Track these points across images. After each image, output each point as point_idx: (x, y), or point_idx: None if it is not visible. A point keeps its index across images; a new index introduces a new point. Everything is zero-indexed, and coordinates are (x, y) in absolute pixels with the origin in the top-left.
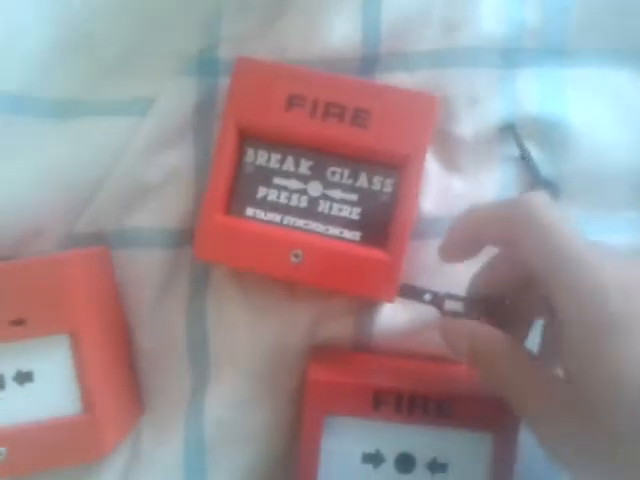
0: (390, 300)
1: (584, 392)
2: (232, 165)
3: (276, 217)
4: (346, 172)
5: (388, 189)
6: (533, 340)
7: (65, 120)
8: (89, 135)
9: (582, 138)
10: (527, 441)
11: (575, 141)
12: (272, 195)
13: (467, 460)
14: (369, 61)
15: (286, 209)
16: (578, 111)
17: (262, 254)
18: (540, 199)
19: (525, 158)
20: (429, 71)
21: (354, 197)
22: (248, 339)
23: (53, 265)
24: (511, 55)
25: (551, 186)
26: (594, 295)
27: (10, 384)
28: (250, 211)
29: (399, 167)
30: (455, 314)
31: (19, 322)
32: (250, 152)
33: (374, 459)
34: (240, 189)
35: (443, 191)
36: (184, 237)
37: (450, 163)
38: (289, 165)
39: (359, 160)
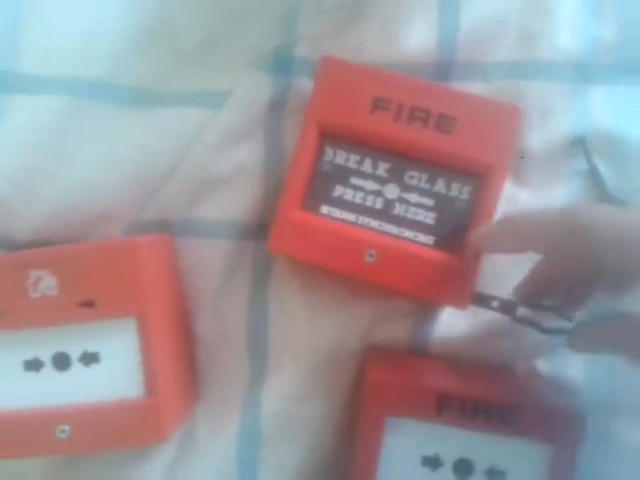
0: (463, 307)
1: None
2: (311, 163)
3: (350, 216)
4: (424, 177)
5: (465, 196)
6: None
7: (140, 108)
8: (163, 125)
9: None
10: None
11: None
12: (348, 194)
13: (525, 469)
14: (443, 68)
15: (361, 209)
16: None
17: (337, 252)
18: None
19: (593, 173)
20: (504, 82)
21: (430, 202)
22: (307, 334)
23: (125, 249)
24: (585, 70)
25: (618, 202)
26: None
27: (76, 364)
28: (325, 209)
29: (479, 175)
30: (526, 321)
31: (89, 304)
32: (329, 151)
33: (433, 462)
34: (316, 187)
35: (510, 203)
36: (248, 230)
37: (518, 175)
38: (367, 167)
39: (438, 165)
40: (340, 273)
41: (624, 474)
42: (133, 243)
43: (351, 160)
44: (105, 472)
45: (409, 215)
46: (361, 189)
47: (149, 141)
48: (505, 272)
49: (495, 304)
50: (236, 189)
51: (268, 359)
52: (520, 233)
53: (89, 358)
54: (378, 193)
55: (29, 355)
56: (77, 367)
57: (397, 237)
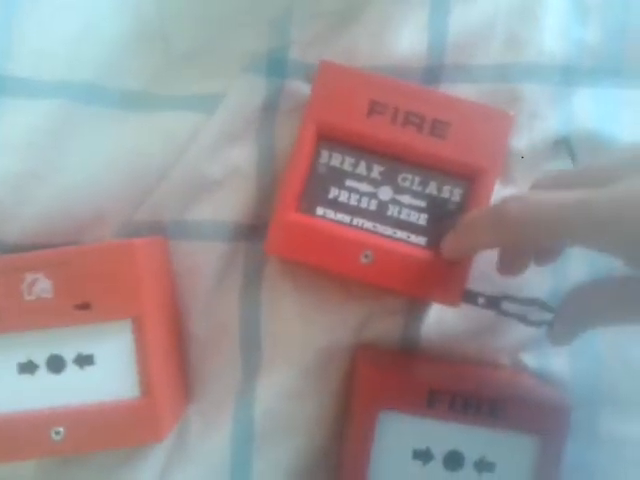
0: (456, 305)
1: None
2: (308, 165)
3: (345, 218)
4: (417, 179)
5: (456, 198)
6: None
7: (133, 112)
8: (156, 128)
9: None
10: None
11: None
12: (343, 196)
13: (514, 461)
14: (433, 71)
15: (356, 211)
16: (632, 132)
17: (333, 253)
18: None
19: None
20: (491, 84)
21: (423, 203)
22: (300, 334)
23: (121, 251)
24: (570, 72)
25: None
26: None
27: (70, 366)
28: (320, 210)
29: (471, 178)
30: (511, 314)
31: (84, 306)
32: (324, 153)
33: (424, 456)
34: (312, 189)
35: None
36: (241, 231)
37: (505, 175)
38: (362, 169)
39: (431, 169)
40: (336, 274)
41: (609, 465)
42: (130, 245)
43: (346, 162)
44: (99, 474)
45: (402, 216)
46: (356, 191)
47: (142, 144)
48: (488, 270)
49: (481, 301)
50: (229, 191)
51: (261, 359)
52: (471, 239)
53: (84, 360)
54: (372, 195)
55: (23, 358)
56: (72, 369)
57: (391, 238)
